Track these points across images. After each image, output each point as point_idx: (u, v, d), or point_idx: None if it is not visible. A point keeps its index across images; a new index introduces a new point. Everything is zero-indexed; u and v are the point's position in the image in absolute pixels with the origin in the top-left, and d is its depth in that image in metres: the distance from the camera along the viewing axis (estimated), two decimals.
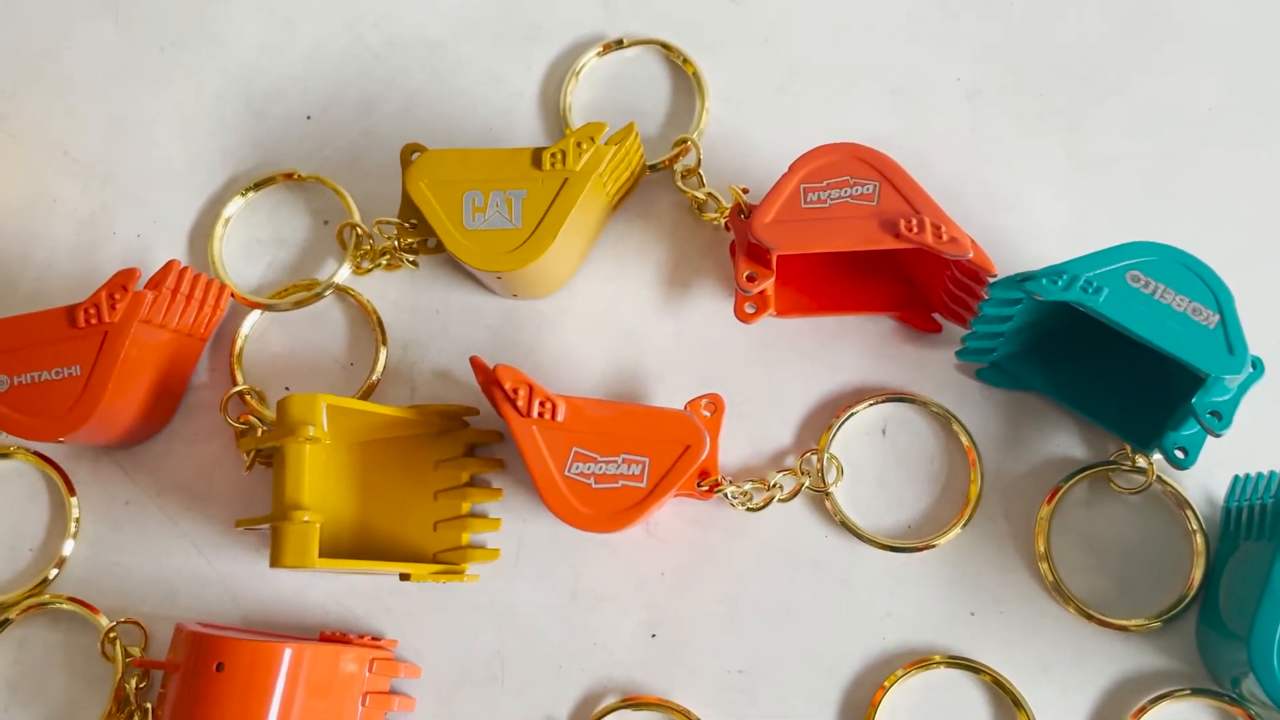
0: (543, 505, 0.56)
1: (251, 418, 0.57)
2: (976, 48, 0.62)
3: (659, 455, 0.50)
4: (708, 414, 0.53)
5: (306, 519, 0.48)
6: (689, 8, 0.64)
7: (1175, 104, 0.61)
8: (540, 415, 0.50)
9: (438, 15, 0.64)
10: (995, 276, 0.52)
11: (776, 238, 0.52)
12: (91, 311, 0.51)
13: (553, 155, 0.53)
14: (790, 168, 0.53)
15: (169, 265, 0.52)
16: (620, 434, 0.50)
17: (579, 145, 0.53)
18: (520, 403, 0.50)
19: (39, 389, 0.51)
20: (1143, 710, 0.52)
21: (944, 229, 0.51)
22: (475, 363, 0.52)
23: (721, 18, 0.63)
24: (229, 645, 0.48)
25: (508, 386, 0.50)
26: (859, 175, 0.53)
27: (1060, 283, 0.50)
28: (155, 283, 0.52)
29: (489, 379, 0.50)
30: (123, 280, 0.51)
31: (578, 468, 0.49)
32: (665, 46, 0.62)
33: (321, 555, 0.49)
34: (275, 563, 0.49)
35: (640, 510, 0.49)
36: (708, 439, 0.50)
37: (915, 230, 0.51)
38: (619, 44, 0.63)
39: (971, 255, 0.51)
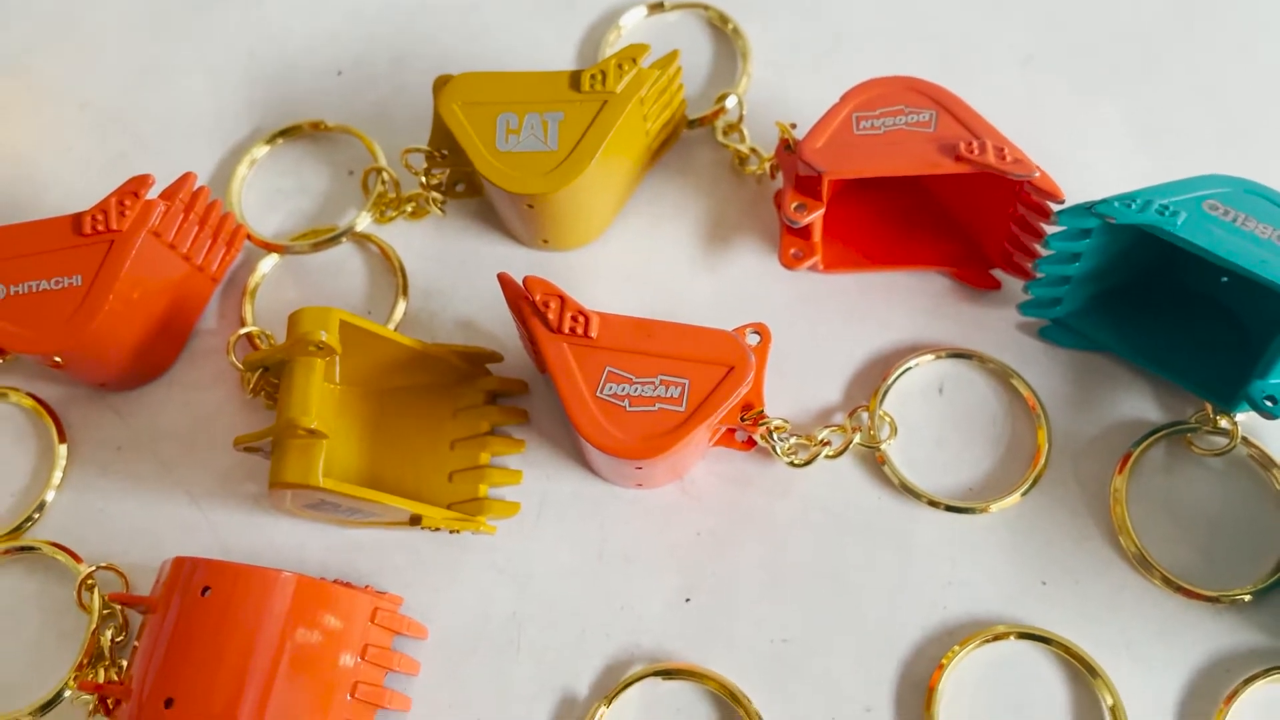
0: (568, 459, 0.52)
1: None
2: (1029, 12, 0.61)
3: (700, 377, 0.45)
4: (755, 338, 0.49)
5: (313, 429, 0.44)
6: None
7: (1233, 67, 0.58)
8: (572, 331, 0.46)
9: None
10: (1062, 203, 0.48)
11: (828, 160, 0.49)
12: (99, 218, 0.47)
13: (592, 76, 0.51)
14: (841, 98, 0.51)
15: (185, 177, 0.50)
16: (658, 353, 0.45)
17: (620, 66, 0.51)
18: (550, 316, 0.46)
19: (36, 299, 0.47)
20: (1235, 693, 0.46)
21: (1007, 150, 0.48)
22: (502, 278, 0.48)
23: None
24: (218, 568, 0.43)
25: (537, 298, 0.46)
26: (914, 104, 0.50)
27: (1135, 205, 0.46)
28: (169, 194, 0.49)
29: (517, 293, 0.47)
30: (134, 186, 0.48)
31: (611, 388, 0.45)
32: (711, 10, 0.61)
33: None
34: (275, 479, 0.44)
35: (678, 436, 0.45)
36: (753, 362, 0.45)
37: (977, 152, 0.48)
38: (660, 6, 0.61)
39: (1038, 174, 0.47)
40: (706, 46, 0.61)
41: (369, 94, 0.60)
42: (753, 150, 0.57)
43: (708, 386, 0.45)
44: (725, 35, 0.61)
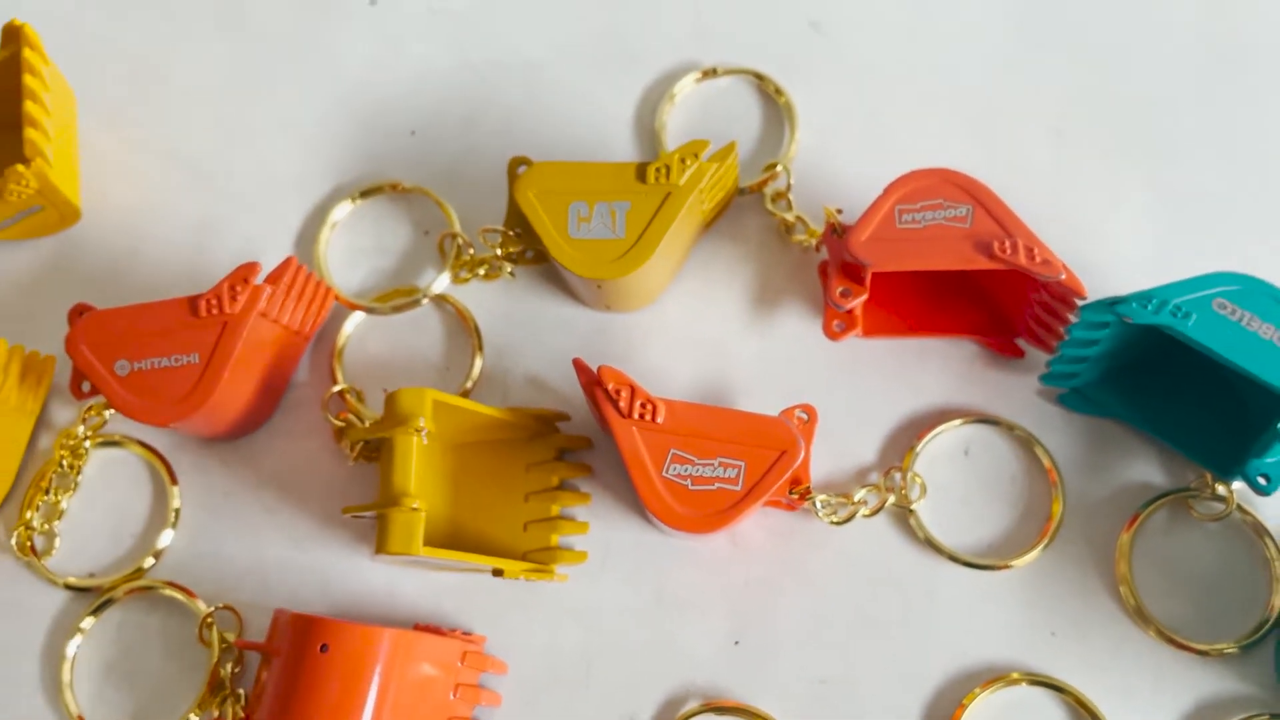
0: (629, 511, 0.58)
1: (350, 415, 0.58)
2: (1060, 82, 0.64)
3: (755, 460, 0.51)
4: (803, 418, 0.54)
5: (414, 507, 0.50)
6: (776, 37, 0.66)
7: (1257, 139, 0.62)
8: (641, 417, 0.51)
9: (538, 39, 0.66)
10: (1085, 299, 0.53)
11: (873, 254, 0.54)
12: (213, 302, 0.53)
13: (657, 169, 0.55)
14: (885, 190, 0.55)
15: (287, 262, 0.54)
16: (717, 438, 0.51)
17: (683, 161, 0.55)
18: (622, 404, 0.51)
19: (157, 375, 0.53)
20: None
21: (1036, 251, 0.53)
22: (578, 364, 0.53)
23: (809, 47, 0.66)
24: (334, 627, 0.49)
25: (610, 387, 0.51)
26: (952, 198, 0.54)
27: (1150, 306, 0.51)
28: (274, 278, 0.54)
29: (591, 379, 0.52)
30: (245, 273, 0.53)
31: (675, 469, 0.51)
32: (758, 76, 0.65)
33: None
34: (381, 549, 0.50)
35: (735, 512, 0.50)
36: (803, 447, 0.51)
37: (1009, 251, 0.53)
38: (712, 72, 0.65)
39: (1064, 277, 0.52)
40: (755, 110, 0.65)
41: (440, 154, 0.64)
42: (798, 219, 0.61)
43: (762, 468, 0.51)
44: (773, 101, 0.65)
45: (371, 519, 0.54)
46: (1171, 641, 0.54)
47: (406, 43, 0.66)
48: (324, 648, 0.49)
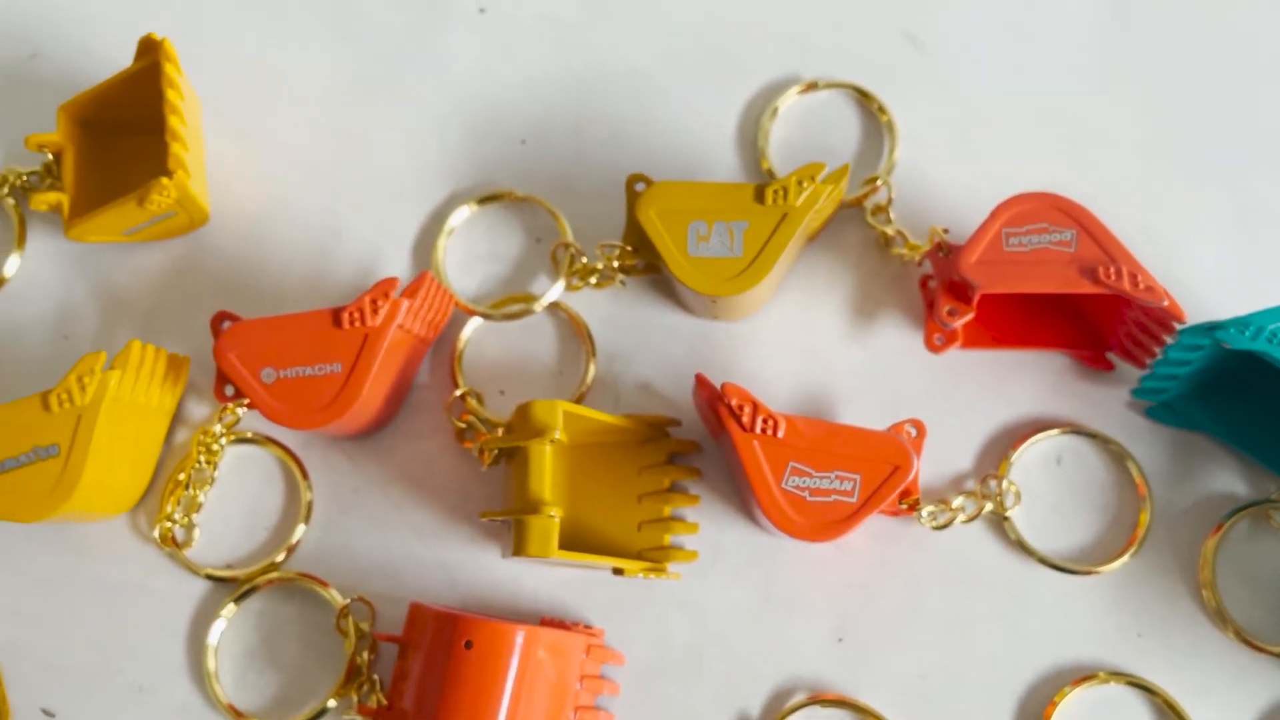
0: (736, 512, 0.61)
1: (471, 418, 0.61)
2: (1148, 101, 0.66)
3: (870, 473, 0.54)
4: (912, 433, 0.57)
5: (552, 514, 0.53)
6: (875, 51, 0.68)
7: None
8: (762, 431, 0.54)
9: (643, 50, 0.68)
10: (1184, 324, 0.56)
11: (982, 277, 0.56)
12: (355, 315, 0.55)
13: (775, 191, 0.58)
14: (992, 213, 0.58)
15: (423, 276, 0.57)
16: (834, 452, 0.54)
17: (800, 183, 0.58)
18: (745, 419, 0.54)
19: (302, 383, 0.56)
20: None
21: (1140, 277, 0.55)
22: (700, 379, 0.56)
23: (907, 62, 0.68)
24: (479, 625, 0.52)
25: (734, 403, 0.54)
26: (1057, 223, 0.57)
27: (1248, 333, 0.54)
28: (411, 292, 0.57)
29: (714, 395, 0.55)
30: (385, 288, 0.56)
31: (794, 481, 0.54)
32: (859, 91, 0.67)
33: None
34: (519, 552, 0.53)
35: (851, 523, 0.54)
36: (916, 462, 0.54)
37: (1114, 278, 0.55)
38: (813, 86, 0.67)
39: (1166, 304, 0.55)
40: (853, 123, 0.67)
41: (550, 162, 0.67)
42: (898, 232, 0.64)
43: (876, 482, 0.54)
44: (871, 114, 0.67)
45: (502, 521, 0.57)
46: (1249, 644, 0.58)
47: (515, 51, 0.68)
48: (469, 644, 0.52)
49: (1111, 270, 0.56)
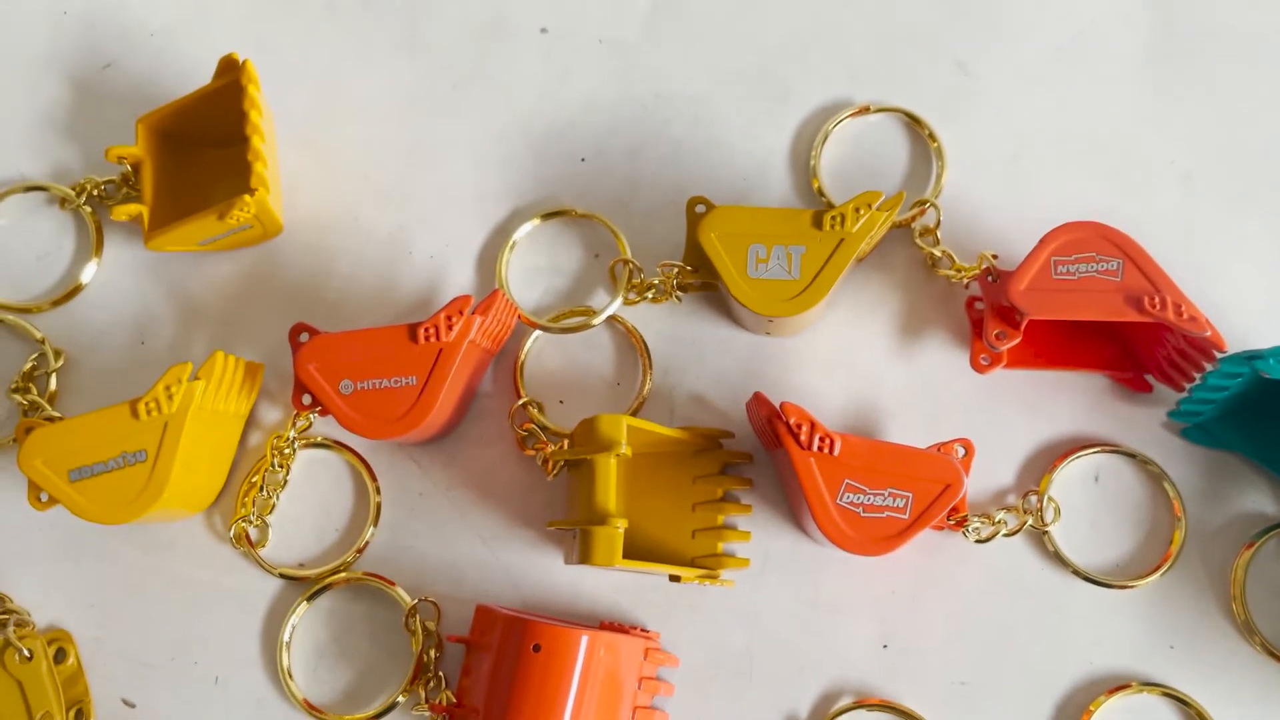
0: (786, 522, 0.63)
1: (532, 426, 0.64)
2: (1190, 130, 0.69)
3: (921, 492, 0.56)
4: (960, 452, 0.60)
5: (617, 525, 0.56)
6: (924, 77, 0.70)
7: None
8: (819, 449, 0.57)
9: (700, 72, 0.70)
10: (1225, 352, 0.58)
11: (1031, 304, 0.59)
12: (431, 330, 0.58)
13: (832, 218, 0.60)
14: (1040, 241, 0.60)
15: (495, 294, 0.60)
16: (887, 471, 0.57)
17: (857, 211, 0.60)
18: (803, 437, 0.57)
19: (379, 394, 0.58)
20: None
21: (1184, 308, 0.58)
22: (758, 397, 0.59)
23: (955, 87, 0.70)
24: (547, 630, 0.55)
25: (792, 421, 0.57)
26: (1104, 252, 0.59)
27: None
28: (483, 309, 0.59)
29: (773, 413, 0.57)
30: (459, 306, 0.58)
31: (848, 497, 0.57)
32: (910, 116, 0.69)
33: None
34: (585, 559, 0.56)
35: (902, 539, 0.56)
36: (966, 482, 0.57)
37: (1159, 307, 0.58)
38: (865, 110, 0.69)
39: (1209, 334, 0.57)
40: (902, 146, 0.69)
41: (609, 180, 0.69)
42: (945, 253, 0.66)
43: (928, 500, 0.56)
44: (920, 138, 0.69)
45: (563, 529, 0.60)
46: (1276, 657, 0.60)
47: (576, 71, 0.71)
48: (536, 647, 0.55)
49: (1156, 300, 0.58)
